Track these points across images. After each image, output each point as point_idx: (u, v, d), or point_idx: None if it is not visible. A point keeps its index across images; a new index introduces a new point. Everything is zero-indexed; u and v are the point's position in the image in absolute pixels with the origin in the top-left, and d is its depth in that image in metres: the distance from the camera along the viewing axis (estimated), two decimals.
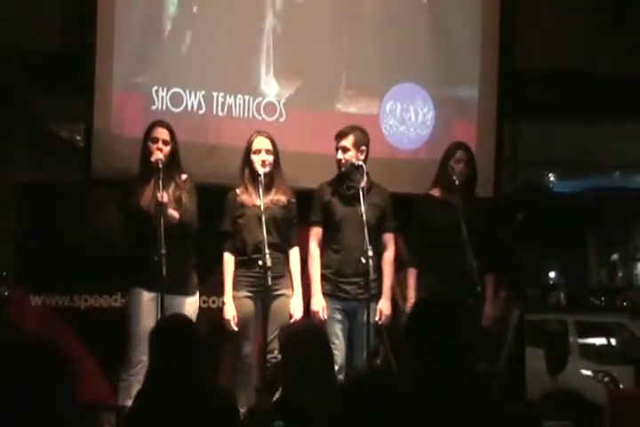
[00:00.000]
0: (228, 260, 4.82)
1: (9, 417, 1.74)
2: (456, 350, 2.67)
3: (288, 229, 4.86)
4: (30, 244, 5.39)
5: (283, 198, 4.83)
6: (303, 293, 4.88)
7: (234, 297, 4.77)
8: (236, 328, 4.74)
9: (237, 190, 4.85)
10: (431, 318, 2.79)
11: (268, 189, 4.79)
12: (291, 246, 4.89)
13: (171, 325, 3.39)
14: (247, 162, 4.85)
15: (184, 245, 4.69)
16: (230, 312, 4.75)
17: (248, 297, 4.76)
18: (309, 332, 3.60)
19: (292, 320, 4.73)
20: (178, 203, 4.65)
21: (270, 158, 4.81)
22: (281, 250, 4.81)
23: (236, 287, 4.79)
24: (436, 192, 5.08)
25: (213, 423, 3.06)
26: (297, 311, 4.81)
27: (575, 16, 6.40)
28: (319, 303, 4.83)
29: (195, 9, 5.63)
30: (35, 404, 1.79)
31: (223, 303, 4.82)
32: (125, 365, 4.59)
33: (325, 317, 4.80)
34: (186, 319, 3.54)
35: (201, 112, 5.61)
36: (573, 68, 6.50)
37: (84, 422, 4.15)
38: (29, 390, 1.79)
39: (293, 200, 4.90)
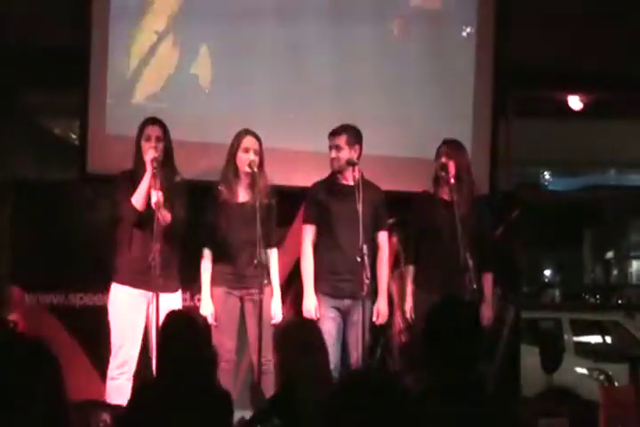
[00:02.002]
0: (207, 256, 4.79)
1: (5, 418, 1.74)
2: (463, 350, 2.67)
3: (267, 229, 4.74)
4: (26, 241, 5.38)
5: (264, 199, 4.75)
6: (298, 291, 4.85)
7: (213, 293, 4.74)
8: (215, 323, 4.70)
9: (220, 187, 4.80)
10: (449, 319, 2.78)
11: (250, 188, 4.75)
12: (269, 247, 4.82)
13: (176, 324, 3.35)
14: (233, 160, 4.80)
15: (170, 246, 4.60)
16: (208, 308, 4.71)
17: (228, 293, 4.73)
18: (304, 330, 3.60)
19: (271, 323, 4.69)
20: (169, 205, 4.58)
21: (257, 158, 4.75)
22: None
23: (215, 283, 4.76)
24: (432, 190, 5.07)
25: (211, 423, 3.05)
26: (276, 314, 4.78)
27: (573, 15, 6.40)
28: (311, 302, 4.81)
29: (181, 10, 5.62)
30: (26, 405, 1.79)
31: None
32: (112, 363, 4.55)
33: (318, 315, 4.78)
34: (190, 319, 3.49)
35: None
36: (569, 67, 6.50)
37: (78, 422, 4.14)
38: (20, 392, 1.79)
39: (274, 201, 4.84)
